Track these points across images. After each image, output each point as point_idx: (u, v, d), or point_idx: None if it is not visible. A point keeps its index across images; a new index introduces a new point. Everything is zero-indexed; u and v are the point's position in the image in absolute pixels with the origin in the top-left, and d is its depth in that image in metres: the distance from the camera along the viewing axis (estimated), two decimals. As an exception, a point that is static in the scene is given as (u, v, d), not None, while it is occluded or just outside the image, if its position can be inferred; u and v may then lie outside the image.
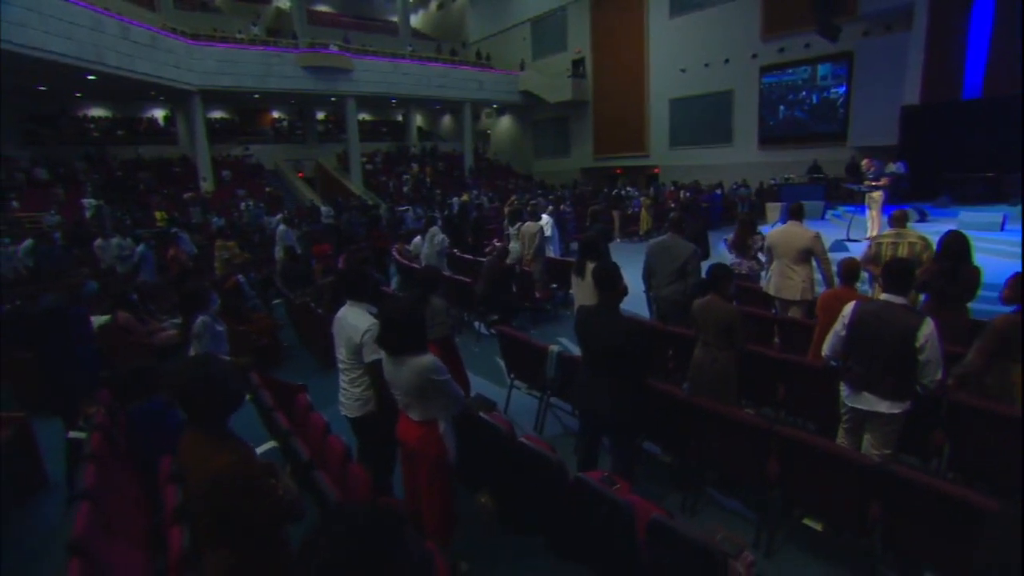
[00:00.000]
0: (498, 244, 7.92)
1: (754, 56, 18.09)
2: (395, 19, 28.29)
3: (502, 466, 2.63)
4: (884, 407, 2.55)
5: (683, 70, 20.02)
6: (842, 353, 2.70)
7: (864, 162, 14.48)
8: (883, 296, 2.59)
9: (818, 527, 2.75)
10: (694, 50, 19.54)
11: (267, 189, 19.90)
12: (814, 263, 4.53)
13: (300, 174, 22.45)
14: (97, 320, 5.58)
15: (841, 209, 13.38)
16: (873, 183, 10.77)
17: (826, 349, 2.79)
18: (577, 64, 23.97)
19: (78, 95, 21.79)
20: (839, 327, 2.69)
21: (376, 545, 0.80)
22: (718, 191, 15.69)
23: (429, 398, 2.26)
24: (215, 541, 1.63)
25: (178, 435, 3.24)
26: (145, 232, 10.33)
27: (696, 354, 3.24)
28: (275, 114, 27.32)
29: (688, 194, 13.71)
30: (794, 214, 4.58)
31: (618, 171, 23.43)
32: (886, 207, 9.03)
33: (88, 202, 15.45)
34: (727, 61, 18.74)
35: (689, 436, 2.93)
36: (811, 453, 2.41)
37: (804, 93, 17.33)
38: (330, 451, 2.89)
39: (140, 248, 7.87)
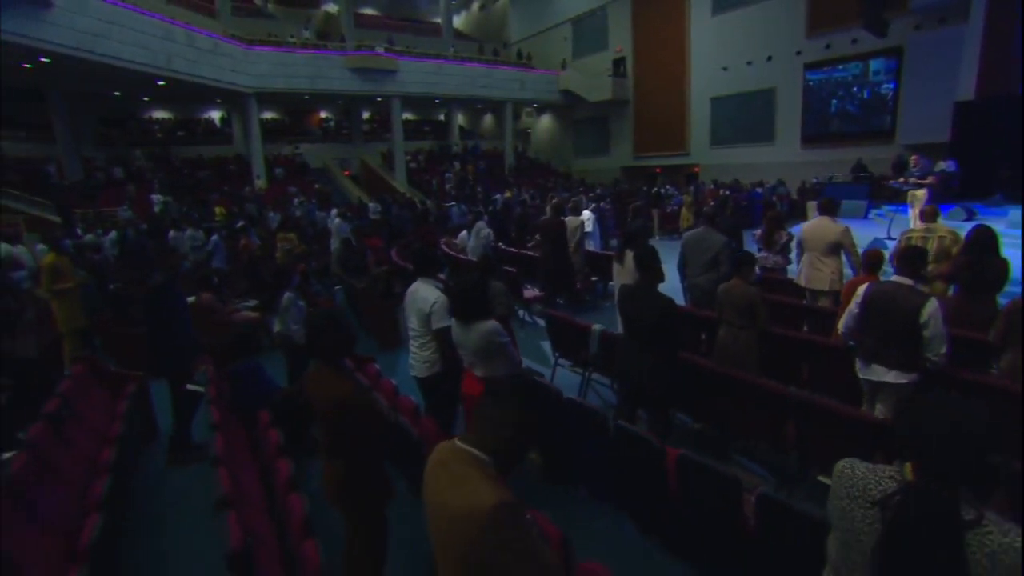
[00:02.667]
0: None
1: (798, 53, 17.89)
2: (438, 20, 28.99)
3: (551, 422, 3.05)
4: (892, 377, 2.86)
5: (724, 68, 19.97)
6: (855, 330, 3.02)
7: (912, 159, 14.23)
8: (894, 278, 2.90)
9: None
10: (736, 48, 19.46)
11: (316, 186, 20.86)
12: (844, 256, 4.78)
13: (347, 172, 23.36)
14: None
15: (885, 208, 13.22)
16: (918, 180, 10.70)
17: (841, 326, 3.10)
18: (618, 63, 24.12)
19: (145, 99, 23.34)
20: (853, 306, 3.00)
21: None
22: (758, 190, 15.68)
23: (491, 358, 2.71)
24: (335, 453, 2.12)
25: (271, 390, 3.81)
26: (217, 224, 11.22)
27: (720, 334, 3.61)
28: (323, 114, 28.40)
29: (727, 192, 13.80)
30: (825, 209, 4.84)
31: (657, 170, 23.48)
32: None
33: (156, 198, 16.66)
34: (770, 59, 18.60)
35: (715, 403, 3.29)
36: (823, 415, 2.75)
37: (855, 89, 16.92)
38: (402, 407, 3.39)
39: (214, 238, 8.66)
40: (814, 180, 16.38)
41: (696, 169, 21.65)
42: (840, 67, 17.14)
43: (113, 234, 10.51)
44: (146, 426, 4.26)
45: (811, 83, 17.92)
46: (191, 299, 6.22)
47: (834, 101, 17.50)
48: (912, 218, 9.44)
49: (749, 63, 19.22)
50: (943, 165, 12.34)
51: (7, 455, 3.03)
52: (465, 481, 1.24)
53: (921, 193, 9.72)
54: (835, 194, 14.70)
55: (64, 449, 3.11)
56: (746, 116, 19.79)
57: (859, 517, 1.18)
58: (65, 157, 17.52)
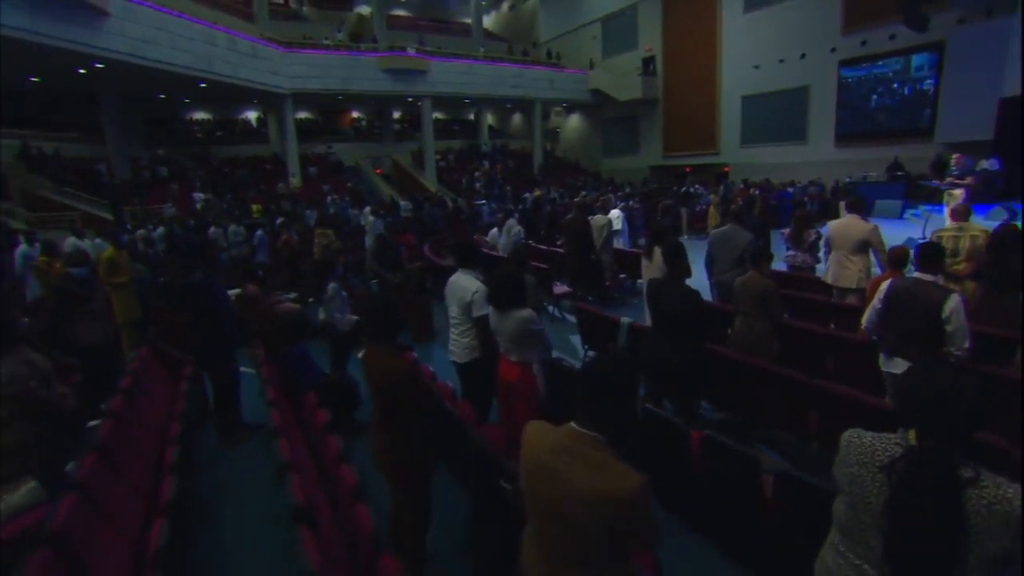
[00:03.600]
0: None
1: (833, 50, 17.62)
2: (468, 21, 29.33)
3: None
4: (914, 371, 2.95)
5: (756, 66, 19.77)
6: (878, 325, 3.11)
7: (953, 157, 13.88)
8: (915, 274, 2.99)
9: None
10: (768, 46, 19.25)
11: (348, 185, 21.39)
12: (872, 255, 4.83)
13: (378, 171, 23.85)
14: (230, 292, 6.69)
15: (921, 208, 12.95)
16: (956, 180, 10.49)
17: (865, 322, 3.20)
18: (647, 62, 24.05)
19: (187, 101, 24.26)
20: (876, 302, 3.10)
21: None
22: (789, 189, 15.51)
23: (526, 344, 2.91)
24: (387, 424, 2.35)
25: (317, 374, 4.08)
26: (261, 221, 11.72)
27: (736, 325, 3.75)
28: (355, 114, 29.03)
29: (756, 192, 13.71)
30: (853, 207, 4.89)
31: (687, 169, 23.34)
32: (974, 207, 8.85)
33: (198, 196, 17.38)
34: (803, 56, 18.35)
35: (739, 392, 3.43)
36: (846, 404, 2.87)
37: (896, 85, 16.51)
38: (441, 390, 3.62)
39: (259, 233, 9.09)
40: (847, 179, 16.12)
41: (726, 168, 21.48)
42: (880, 63, 16.75)
43: (161, 230, 11.07)
44: (201, 406, 4.59)
45: (848, 80, 17.59)
46: (237, 291, 6.62)
47: (874, 97, 17.09)
48: (947, 217, 9.29)
49: (781, 61, 18.98)
50: (985, 164, 12.04)
51: (93, 423, 3.36)
52: (599, 465, 1.37)
53: (958, 192, 9.55)
54: (869, 194, 14.56)
55: (138, 421, 3.43)
56: (778, 115, 19.56)
57: (868, 481, 1.33)
58: (114, 157, 18.41)
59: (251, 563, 2.99)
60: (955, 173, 13.21)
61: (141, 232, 10.38)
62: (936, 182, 13.80)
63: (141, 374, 4.03)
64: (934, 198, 12.84)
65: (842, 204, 14.06)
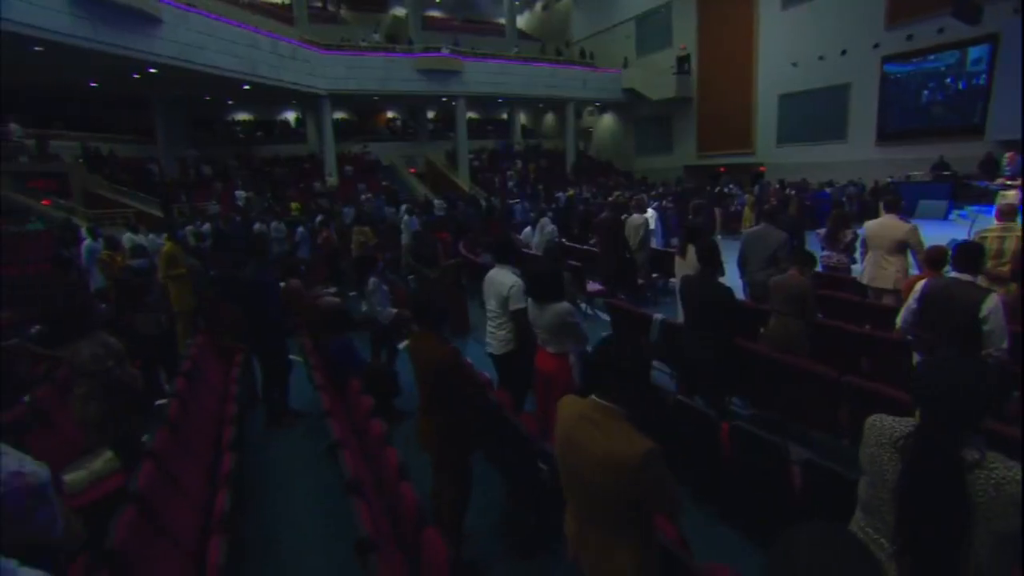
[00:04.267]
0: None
1: (876, 46, 17.10)
2: (502, 21, 29.52)
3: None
4: (950, 370, 2.96)
5: (794, 64, 19.36)
6: (913, 324, 3.13)
7: (1007, 156, 13.34)
8: (952, 274, 3.00)
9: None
10: (807, 42, 18.82)
11: (383, 183, 21.85)
12: (910, 256, 4.77)
13: (412, 170, 24.27)
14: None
15: (969, 209, 12.51)
16: (1008, 181, 10.11)
17: (900, 321, 3.22)
18: (682, 61, 23.80)
19: (230, 102, 25.16)
20: (911, 302, 3.11)
21: None
22: (827, 190, 15.17)
23: (563, 336, 3.04)
24: (435, 406, 2.52)
25: (360, 363, 4.29)
26: (301, 218, 12.18)
27: (770, 324, 3.78)
28: (389, 114, 29.55)
29: (792, 191, 13.49)
30: (890, 207, 4.84)
31: (721, 169, 23.01)
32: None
33: (240, 194, 18.05)
34: (844, 52, 17.87)
35: (771, 388, 3.48)
36: (879, 400, 2.90)
37: (949, 80, 15.83)
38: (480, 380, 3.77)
39: (300, 230, 9.46)
40: (889, 179, 15.65)
41: (762, 168, 21.09)
42: (932, 57, 16.07)
43: (207, 226, 11.60)
44: (250, 392, 4.87)
45: (895, 76, 17.00)
46: (281, 284, 6.94)
47: (925, 92, 16.43)
48: (994, 218, 8.98)
49: (821, 58, 18.55)
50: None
51: (161, 402, 3.65)
52: (614, 433, 1.51)
53: (1012, 194, 9.20)
54: (912, 194, 14.13)
55: (198, 402, 3.70)
56: (816, 113, 19.12)
57: (885, 460, 1.42)
58: (164, 157, 19.28)
59: (302, 530, 3.24)
60: (1008, 173, 12.70)
61: (189, 228, 10.90)
62: (985, 182, 13.32)
63: (198, 360, 4.31)
64: (983, 199, 12.39)
65: (882, 204, 13.71)
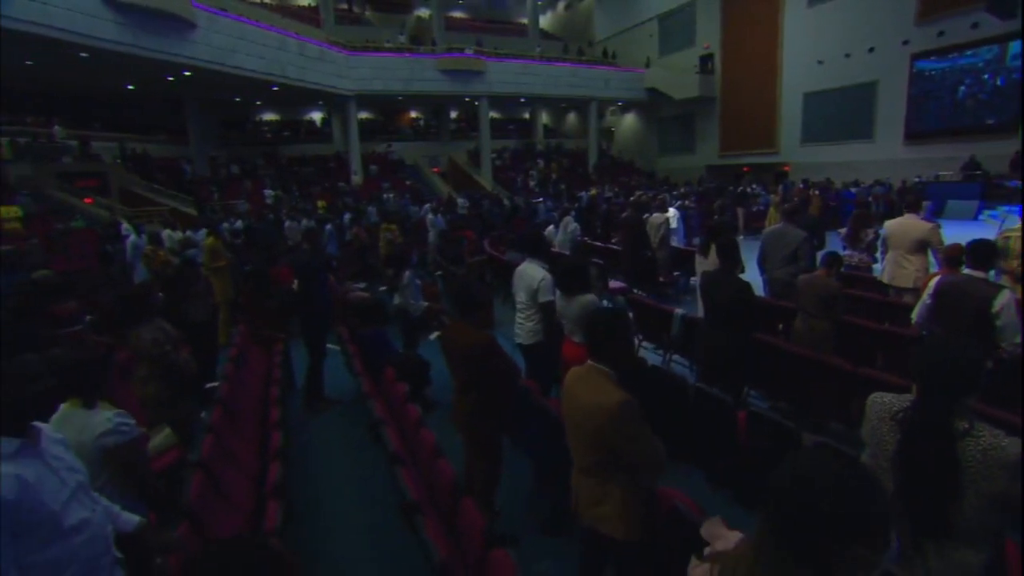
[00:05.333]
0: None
1: (905, 43, 16.81)
2: (524, 21, 29.70)
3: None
4: (963, 364, 3.06)
5: (820, 62, 19.15)
6: (928, 319, 3.23)
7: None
8: (965, 271, 3.10)
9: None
10: (834, 40, 18.61)
11: (407, 182, 22.22)
12: (931, 255, 4.83)
13: (436, 169, 24.59)
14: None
15: (1000, 209, 12.29)
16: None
17: (915, 317, 3.32)
18: (705, 60, 23.69)
19: (258, 103, 25.78)
20: (925, 297, 3.22)
21: None
22: (852, 189, 15.01)
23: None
24: (468, 389, 2.72)
25: (393, 352, 4.52)
26: (330, 216, 12.55)
27: (796, 323, 3.90)
28: (413, 114, 29.93)
29: (817, 191, 13.40)
30: (911, 207, 4.91)
31: (745, 169, 22.85)
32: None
33: (268, 192, 18.56)
34: (871, 50, 17.62)
35: (788, 381, 3.61)
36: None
37: (987, 76, 15.43)
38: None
39: (328, 227, 9.79)
40: (916, 179, 15.42)
41: (786, 168, 20.90)
42: (969, 52, 15.66)
43: (239, 222, 12.03)
44: (288, 379, 5.15)
45: (928, 73, 16.64)
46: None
47: (962, 88, 16.04)
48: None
49: (848, 55, 18.32)
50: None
51: (212, 384, 3.93)
52: (599, 387, 1.83)
53: (1046, 193, 9.08)
54: (941, 194, 13.92)
55: (245, 387, 3.97)
56: (842, 112, 18.89)
57: (885, 432, 1.58)
58: (196, 157, 19.92)
59: (344, 500, 3.52)
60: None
61: (224, 225, 11.32)
62: (1016, 181, 13.06)
63: (242, 347, 4.60)
64: (1015, 199, 12.16)
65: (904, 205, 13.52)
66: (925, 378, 1.50)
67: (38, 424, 1.53)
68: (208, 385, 4.06)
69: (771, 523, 0.94)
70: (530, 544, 2.98)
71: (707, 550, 1.15)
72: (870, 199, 13.93)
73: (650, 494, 1.98)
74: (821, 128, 19.74)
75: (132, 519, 1.80)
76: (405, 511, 2.10)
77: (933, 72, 16.59)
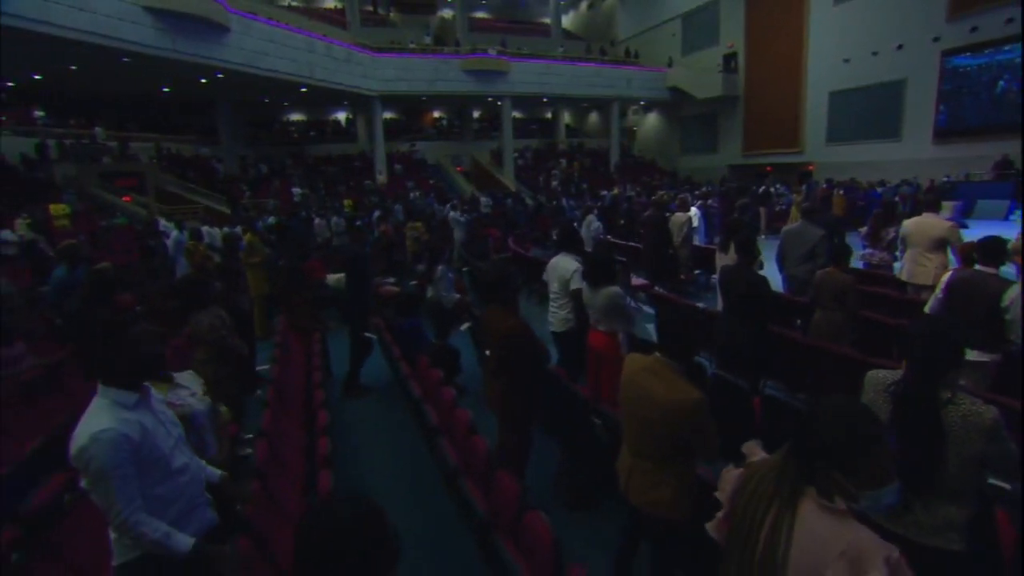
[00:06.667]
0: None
1: (935, 39, 16.55)
2: (547, 21, 29.86)
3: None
4: (973, 355, 3.19)
5: (846, 60, 18.96)
6: (940, 313, 3.37)
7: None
8: (976, 267, 3.23)
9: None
10: (861, 38, 18.42)
11: (431, 181, 22.58)
12: (951, 253, 4.91)
13: (459, 168, 24.91)
14: (336, 276, 7.66)
15: (1033, 209, 12.10)
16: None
17: (928, 311, 3.46)
18: (728, 59, 23.60)
19: (285, 104, 26.41)
20: (938, 292, 3.36)
21: None
22: (878, 189, 14.88)
23: (613, 316, 3.43)
24: (500, 372, 2.96)
25: (426, 342, 4.79)
26: (358, 213, 12.96)
27: (815, 317, 4.06)
28: (436, 113, 30.31)
29: (841, 191, 13.35)
30: (930, 206, 5.00)
31: (768, 168, 22.70)
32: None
33: (296, 191, 19.07)
34: (900, 47, 17.40)
35: (801, 369, 3.78)
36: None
37: None
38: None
39: (357, 224, 10.11)
40: (944, 179, 15.20)
41: (810, 167, 20.72)
42: (1007, 48, 15.31)
43: (271, 219, 12.48)
44: (325, 367, 5.46)
45: (963, 69, 16.33)
46: (342, 275, 7.56)
47: (1001, 83, 15.70)
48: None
49: (875, 53, 18.11)
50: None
51: (262, 368, 4.24)
52: (673, 383, 1.94)
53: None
54: (971, 194, 13.72)
55: (290, 372, 4.27)
56: (869, 110, 18.68)
57: (880, 402, 1.78)
58: (226, 156, 20.56)
59: (387, 472, 3.82)
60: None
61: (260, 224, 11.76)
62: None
63: (284, 336, 4.92)
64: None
65: (944, 204, 13.34)
66: (913, 355, 1.69)
67: (147, 384, 1.81)
68: (259, 368, 4.37)
69: (793, 447, 1.28)
70: (556, 519, 3.20)
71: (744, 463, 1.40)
72: (896, 199, 13.81)
73: (698, 478, 2.16)
74: (847, 127, 19.54)
75: (216, 472, 2.08)
76: (448, 476, 2.34)
77: (968, 68, 16.25)
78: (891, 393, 1.73)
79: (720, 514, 1.46)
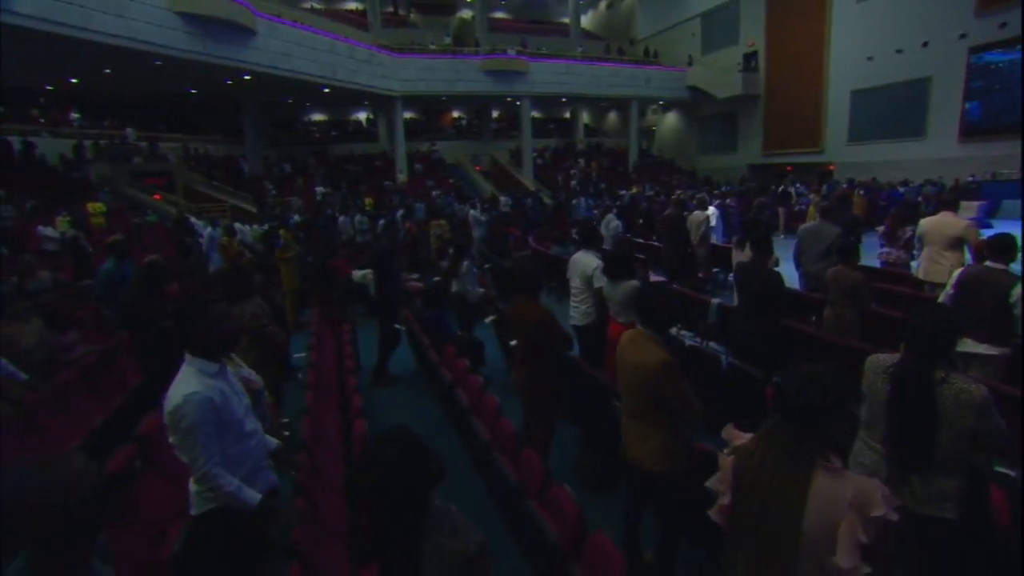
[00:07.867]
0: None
1: (962, 36, 16.30)
2: (566, 20, 29.96)
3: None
4: (982, 349, 3.31)
5: (869, 58, 18.75)
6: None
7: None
8: (986, 264, 3.34)
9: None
10: (885, 35, 18.20)
11: (450, 181, 22.84)
12: (968, 251, 4.98)
13: (478, 168, 25.14)
14: (361, 272, 7.94)
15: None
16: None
17: (938, 305, 3.57)
18: (748, 58, 23.46)
19: (308, 104, 26.92)
20: (948, 288, 3.47)
21: None
22: (900, 189, 14.74)
23: (631, 308, 3.60)
24: (527, 359, 3.16)
25: (451, 333, 5.01)
26: (380, 212, 13.27)
27: (825, 313, 4.19)
28: (455, 113, 30.62)
29: (862, 191, 13.28)
30: (947, 205, 5.07)
31: (788, 168, 22.52)
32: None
33: (319, 190, 19.47)
34: (926, 44, 17.16)
35: (813, 361, 3.90)
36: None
37: None
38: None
39: (381, 222, 10.42)
40: (970, 178, 14.98)
41: (831, 167, 20.54)
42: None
43: (297, 217, 12.85)
44: (355, 358, 5.71)
45: (994, 66, 16.02)
46: (367, 271, 7.82)
47: (1011, 87, 15.44)
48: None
49: (899, 51, 17.89)
50: None
51: (299, 355, 4.50)
52: (645, 348, 2.23)
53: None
54: (997, 193, 13.52)
55: (324, 360, 4.53)
56: (892, 109, 18.45)
57: (879, 384, 1.94)
58: (251, 156, 21.08)
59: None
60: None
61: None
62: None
63: (318, 329, 5.18)
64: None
65: (963, 204, 13.21)
66: (911, 339, 1.85)
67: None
68: (294, 356, 4.63)
69: (783, 412, 1.44)
70: (577, 497, 3.40)
71: (727, 448, 1.56)
72: (919, 199, 13.69)
73: (688, 441, 2.36)
74: (869, 126, 19.34)
75: (273, 441, 2.31)
76: (481, 451, 2.54)
77: (1000, 65, 15.94)
78: (889, 374, 1.89)
79: (722, 501, 1.57)
